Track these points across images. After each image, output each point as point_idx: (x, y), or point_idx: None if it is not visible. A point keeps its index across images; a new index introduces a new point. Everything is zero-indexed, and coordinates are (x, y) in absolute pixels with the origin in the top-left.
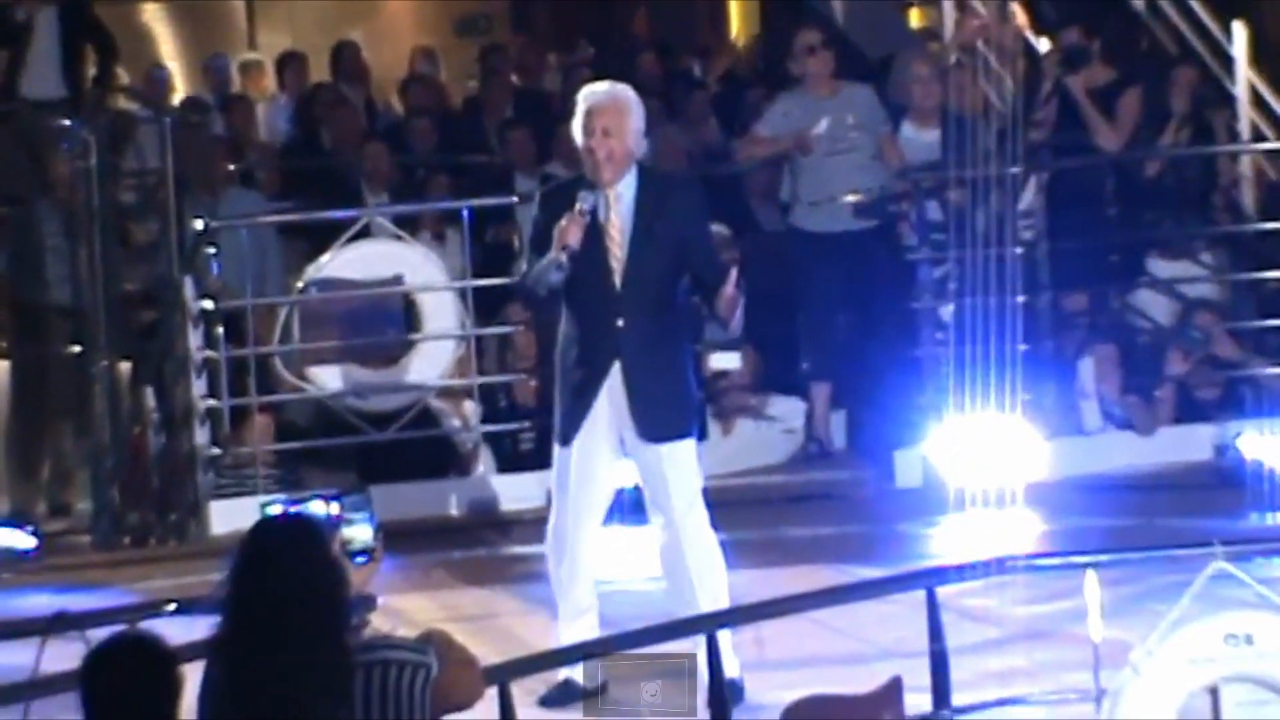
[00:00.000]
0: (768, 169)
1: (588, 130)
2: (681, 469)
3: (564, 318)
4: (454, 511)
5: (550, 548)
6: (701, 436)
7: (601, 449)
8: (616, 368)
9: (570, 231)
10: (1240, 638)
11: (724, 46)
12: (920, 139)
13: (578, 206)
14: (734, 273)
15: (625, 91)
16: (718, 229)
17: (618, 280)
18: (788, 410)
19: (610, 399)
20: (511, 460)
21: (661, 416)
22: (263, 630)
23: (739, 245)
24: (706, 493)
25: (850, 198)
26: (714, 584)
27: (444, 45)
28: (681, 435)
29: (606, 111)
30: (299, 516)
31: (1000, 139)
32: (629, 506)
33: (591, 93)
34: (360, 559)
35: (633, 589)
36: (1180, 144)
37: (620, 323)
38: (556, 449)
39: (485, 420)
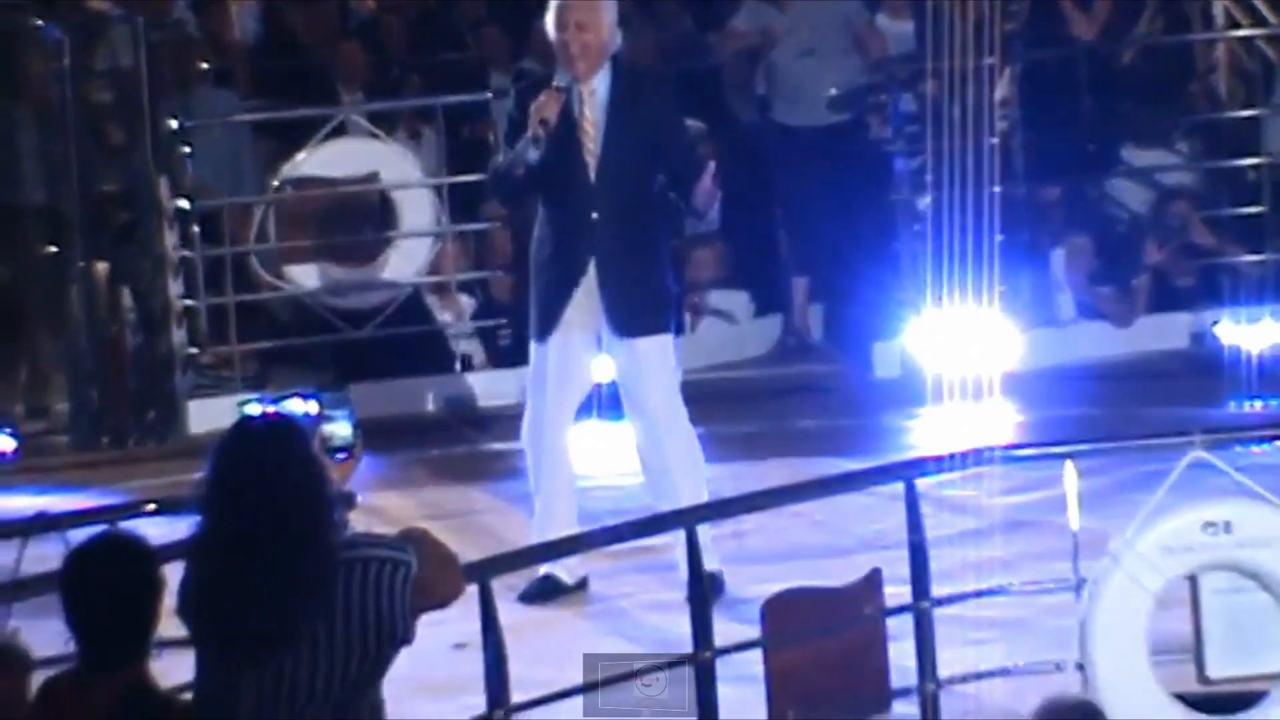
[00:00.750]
0: (744, 63)
1: (561, 24)
2: (658, 364)
3: (539, 214)
4: (432, 408)
5: (527, 443)
6: (679, 332)
7: (577, 345)
8: (592, 262)
9: (547, 106)
10: (1219, 526)
11: None
12: (894, 30)
13: (554, 84)
14: (711, 166)
15: None
16: (694, 124)
17: (592, 175)
18: (733, 304)
19: (586, 294)
20: (489, 356)
21: (637, 312)
22: (245, 530)
23: (715, 140)
24: (684, 386)
25: (827, 92)
26: (693, 478)
27: None
28: (658, 330)
29: (580, 5)
30: (278, 416)
31: (974, 29)
32: (606, 402)
33: None
34: (340, 455)
35: (611, 484)
36: (1154, 32)
37: (595, 216)
38: (533, 345)
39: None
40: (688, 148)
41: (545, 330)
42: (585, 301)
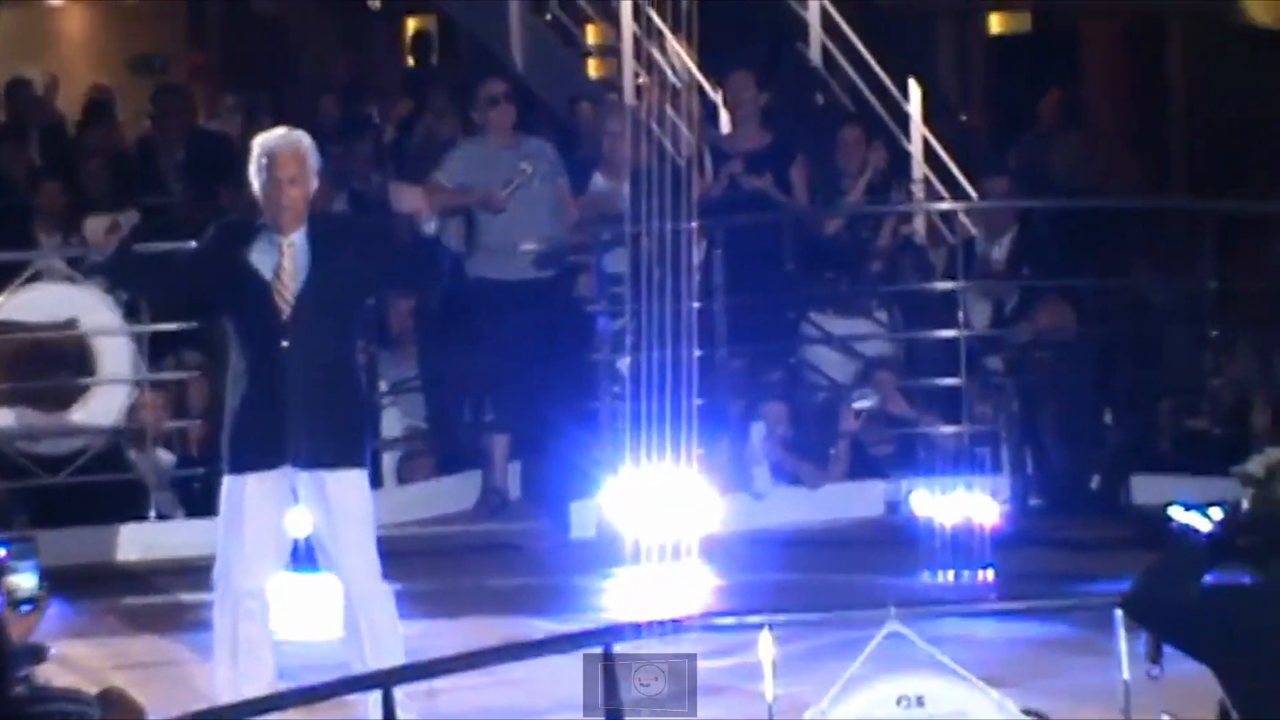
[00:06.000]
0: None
1: (270, 176)
2: (350, 503)
3: (231, 358)
4: (127, 556)
5: (218, 588)
6: (375, 484)
7: (271, 488)
8: (281, 391)
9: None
10: (912, 699)
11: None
12: (611, 190)
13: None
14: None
15: (304, 138)
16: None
17: (285, 316)
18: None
19: (275, 426)
20: (185, 507)
21: (328, 442)
22: None
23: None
24: (382, 542)
25: (529, 247)
26: (388, 637)
27: (119, 83)
28: (350, 463)
29: (291, 159)
30: None
31: (676, 193)
32: (303, 555)
33: (272, 138)
34: (25, 608)
35: (309, 640)
36: (859, 203)
37: (285, 344)
38: (225, 481)
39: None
40: (405, 258)
41: (237, 461)
42: (275, 433)
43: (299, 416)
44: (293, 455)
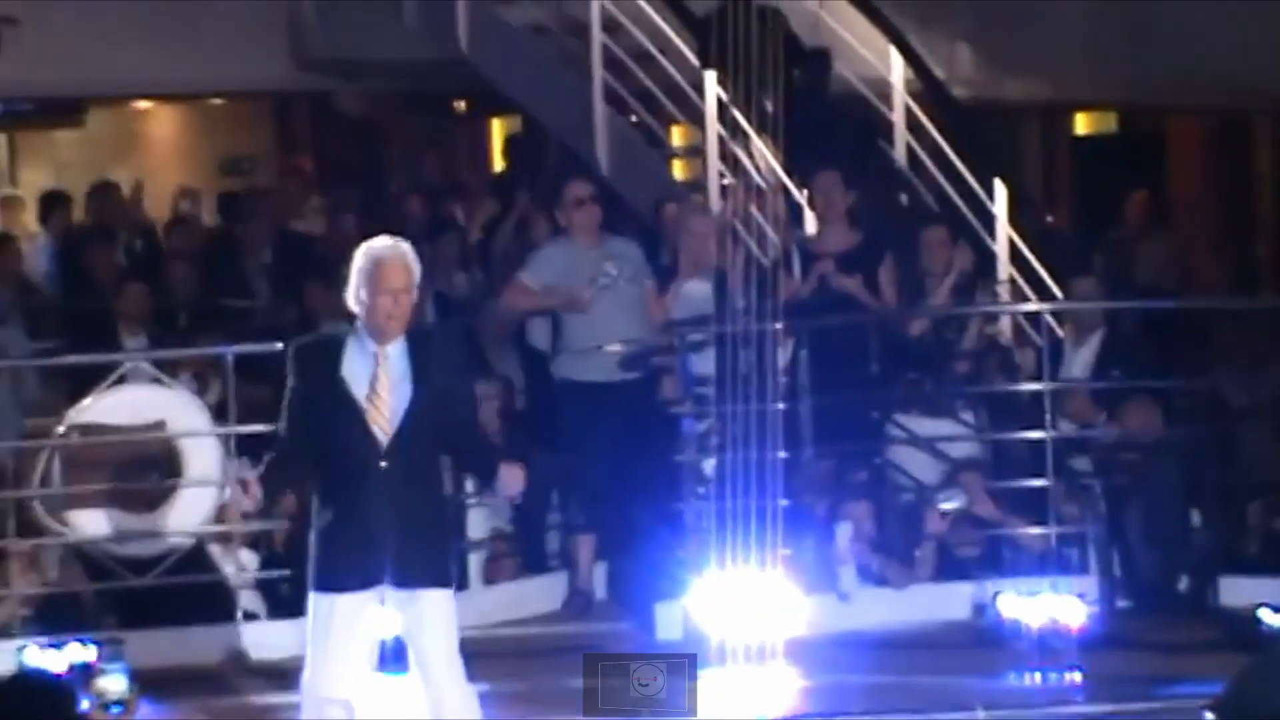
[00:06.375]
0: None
1: (376, 285)
2: (438, 618)
3: (320, 471)
4: (213, 658)
5: (305, 695)
6: (461, 586)
7: (360, 597)
8: (375, 513)
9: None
10: None
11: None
12: (694, 292)
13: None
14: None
15: (410, 248)
16: (489, 388)
17: (381, 434)
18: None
19: (369, 548)
20: (270, 608)
21: (417, 564)
22: None
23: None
24: (466, 643)
25: (614, 348)
26: None
27: (208, 185)
28: (440, 583)
29: (401, 267)
30: (40, 676)
31: (761, 294)
32: (391, 656)
33: (380, 246)
34: (115, 709)
35: None
36: (945, 304)
37: (384, 464)
38: (313, 595)
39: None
40: (473, 415)
41: (327, 584)
42: (366, 551)
43: (392, 538)
44: (384, 576)
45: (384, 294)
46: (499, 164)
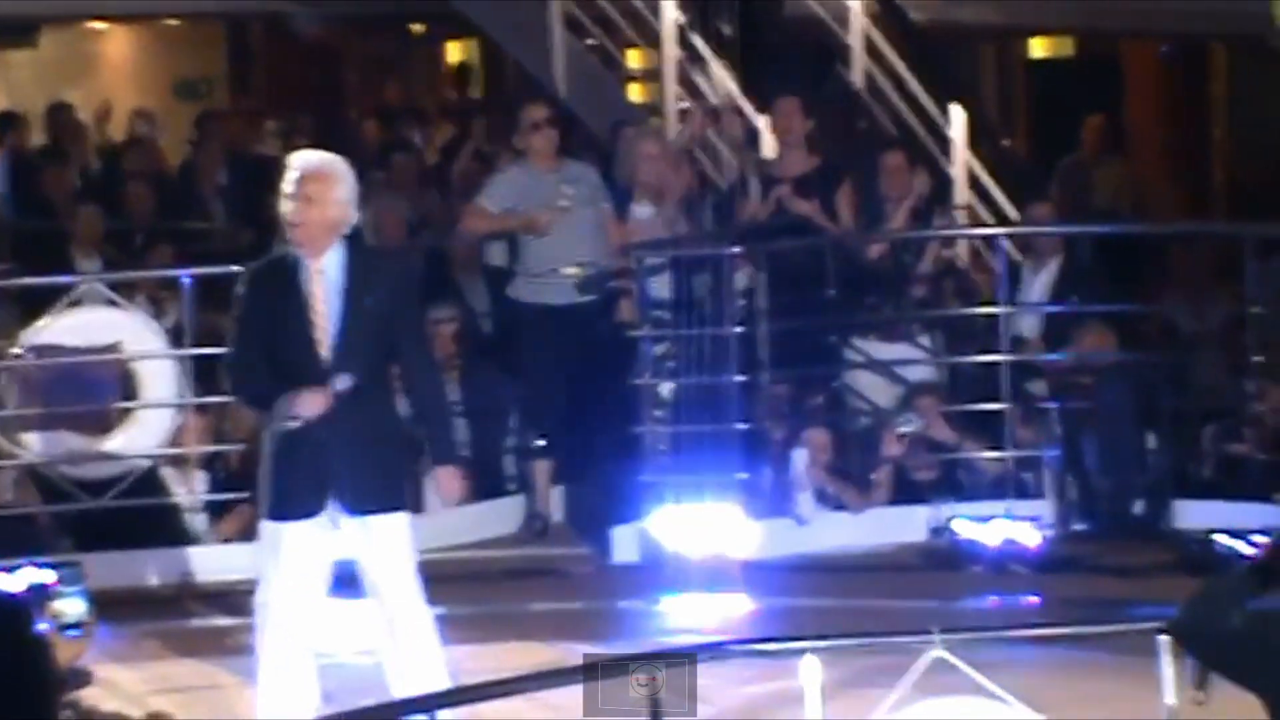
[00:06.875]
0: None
1: (291, 197)
2: (392, 543)
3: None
4: (167, 581)
5: (260, 618)
6: (417, 509)
7: (310, 522)
8: (324, 434)
9: (309, 403)
10: None
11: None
12: (647, 215)
13: (333, 386)
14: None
15: (335, 161)
16: (447, 312)
17: (324, 352)
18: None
19: (318, 476)
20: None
21: (370, 489)
22: None
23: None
24: (423, 566)
25: (571, 271)
26: (429, 661)
27: (163, 107)
28: (392, 508)
29: (312, 179)
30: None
31: (720, 219)
32: (345, 579)
33: (300, 159)
34: (72, 633)
35: (351, 663)
36: (902, 229)
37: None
38: (263, 523)
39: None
40: (420, 339)
41: (278, 507)
42: (317, 477)
43: (344, 462)
44: (335, 502)
45: (288, 199)
46: (455, 88)
